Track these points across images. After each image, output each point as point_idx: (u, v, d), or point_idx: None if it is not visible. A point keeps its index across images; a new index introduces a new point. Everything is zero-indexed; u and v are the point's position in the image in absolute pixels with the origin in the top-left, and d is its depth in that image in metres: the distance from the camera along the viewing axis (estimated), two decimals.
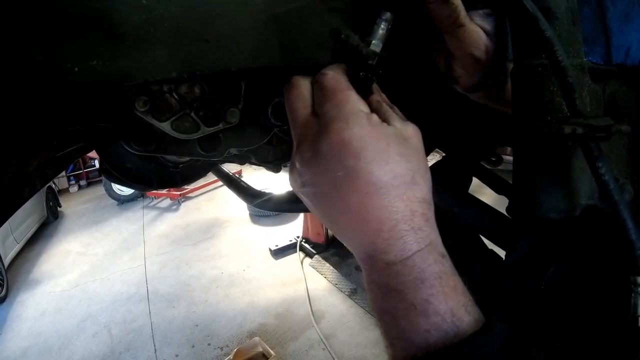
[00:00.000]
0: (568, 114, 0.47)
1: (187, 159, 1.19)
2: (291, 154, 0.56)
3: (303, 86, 0.57)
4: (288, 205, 1.56)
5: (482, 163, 1.26)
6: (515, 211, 0.55)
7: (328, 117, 0.50)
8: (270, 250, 5.45)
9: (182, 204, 8.01)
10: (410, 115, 0.59)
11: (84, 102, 0.61)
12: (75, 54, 0.44)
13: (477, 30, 0.59)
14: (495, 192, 0.97)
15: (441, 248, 0.49)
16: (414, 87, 0.95)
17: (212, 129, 0.65)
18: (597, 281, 0.58)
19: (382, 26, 0.58)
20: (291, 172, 0.56)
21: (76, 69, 0.44)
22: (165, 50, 0.49)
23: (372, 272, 0.49)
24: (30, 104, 0.55)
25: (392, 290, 0.47)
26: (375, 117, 0.51)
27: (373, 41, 0.59)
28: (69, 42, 0.44)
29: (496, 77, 0.63)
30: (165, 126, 0.61)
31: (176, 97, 0.61)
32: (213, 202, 7.87)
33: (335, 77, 0.54)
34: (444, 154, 1.24)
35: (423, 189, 0.50)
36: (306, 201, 0.55)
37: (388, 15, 0.58)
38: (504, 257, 0.85)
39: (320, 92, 0.54)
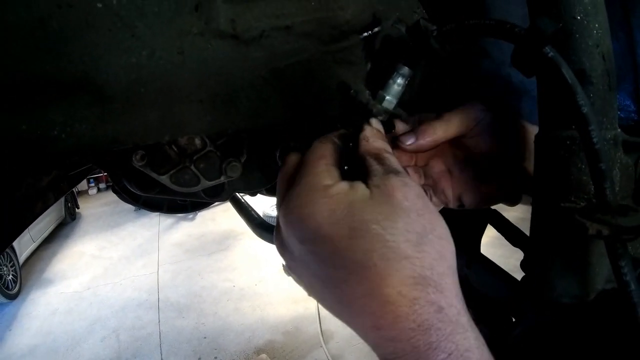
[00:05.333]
0: (594, 199, 0.43)
1: None
2: None
3: (291, 161, 0.51)
4: None
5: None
6: (527, 294, 0.51)
7: (291, 192, 0.45)
8: (283, 266, 5.36)
9: (199, 214, 8.02)
10: None
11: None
12: (61, 120, 0.41)
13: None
14: (511, 243, 0.92)
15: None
16: None
17: (213, 182, 0.62)
18: None
19: (398, 81, 0.53)
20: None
21: (63, 135, 0.41)
22: (156, 112, 0.45)
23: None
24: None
25: None
26: (340, 186, 0.43)
27: (387, 97, 0.53)
28: (54, 108, 0.41)
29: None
30: (165, 179, 0.59)
31: (175, 149, 0.59)
32: (229, 214, 7.85)
33: (314, 146, 0.49)
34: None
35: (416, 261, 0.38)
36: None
37: (406, 70, 0.53)
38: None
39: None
